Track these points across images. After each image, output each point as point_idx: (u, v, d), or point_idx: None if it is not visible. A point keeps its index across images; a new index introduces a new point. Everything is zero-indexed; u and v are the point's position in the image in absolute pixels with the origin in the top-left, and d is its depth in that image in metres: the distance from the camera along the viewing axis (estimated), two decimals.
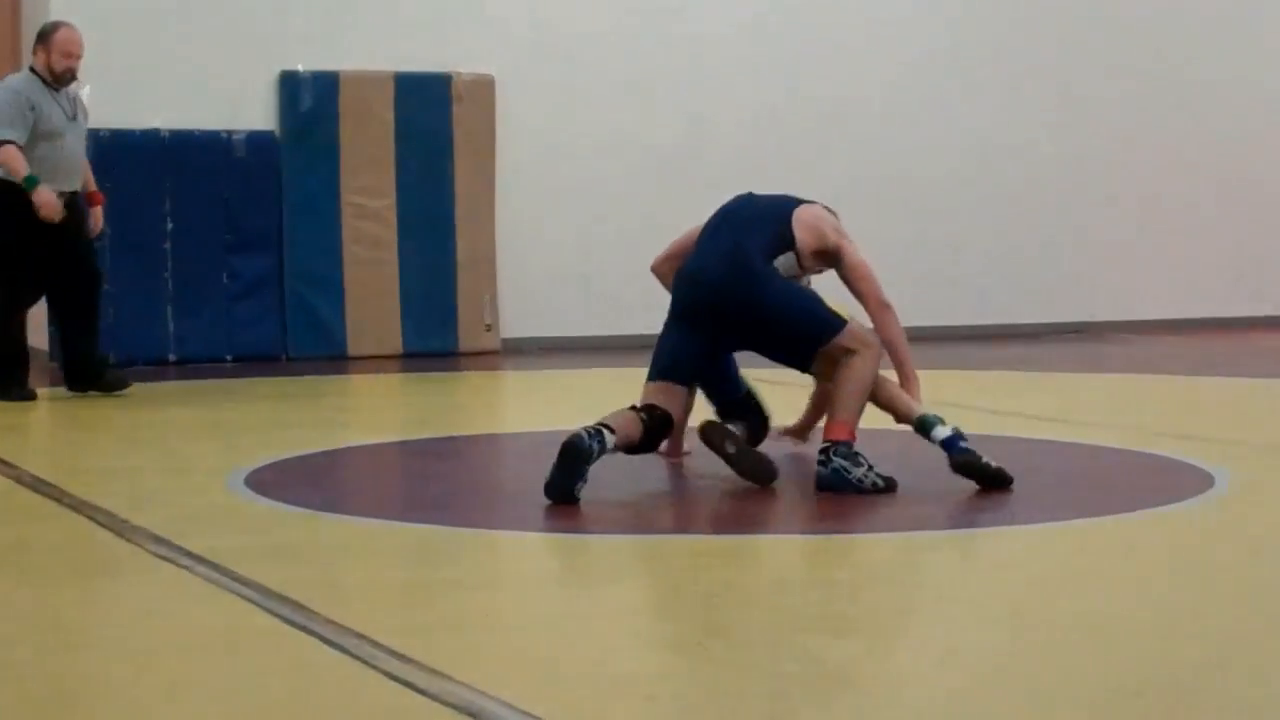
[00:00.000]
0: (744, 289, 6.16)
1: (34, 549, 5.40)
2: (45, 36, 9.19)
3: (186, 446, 7.62)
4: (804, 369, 6.33)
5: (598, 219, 12.64)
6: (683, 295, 6.33)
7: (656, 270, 6.99)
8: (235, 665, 3.89)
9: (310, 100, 11.84)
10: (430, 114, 12.10)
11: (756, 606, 4.50)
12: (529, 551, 5.30)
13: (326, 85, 11.88)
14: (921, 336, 13.32)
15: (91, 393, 9.32)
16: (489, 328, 12.26)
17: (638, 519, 5.88)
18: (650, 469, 6.80)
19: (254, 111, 11.78)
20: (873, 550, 5.33)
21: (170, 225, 11.44)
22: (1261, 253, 14.37)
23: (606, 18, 12.63)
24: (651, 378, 6.23)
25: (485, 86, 12.25)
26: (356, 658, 3.85)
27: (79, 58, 9.18)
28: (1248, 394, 9.64)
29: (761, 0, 12.98)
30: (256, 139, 11.70)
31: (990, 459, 6.03)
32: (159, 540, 5.18)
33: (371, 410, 9.75)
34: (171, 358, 11.43)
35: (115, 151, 11.26)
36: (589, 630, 4.19)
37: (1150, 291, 14.10)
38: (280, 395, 9.89)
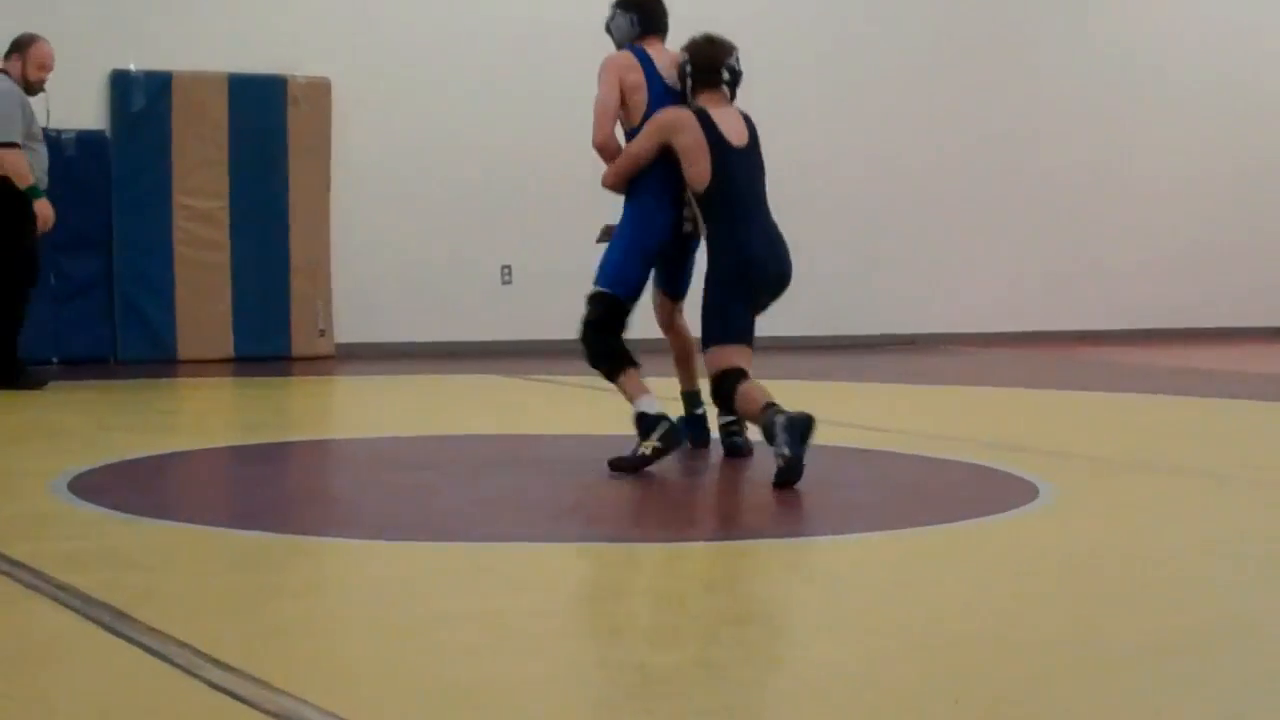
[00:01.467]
0: (790, 269, 7.04)
1: None
2: (22, 47, 9.65)
3: (9, 450, 7.48)
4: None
5: (433, 223, 12.60)
6: (758, 277, 6.84)
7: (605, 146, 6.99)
8: (55, 674, 3.83)
9: (142, 100, 11.68)
10: (265, 116, 11.99)
11: (585, 615, 4.51)
12: (354, 559, 5.27)
13: (159, 85, 11.72)
14: (760, 347, 13.52)
15: None
16: (322, 332, 12.17)
17: (468, 525, 5.87)
18: (498, 470, 6.79)
19: (85, 110, 11.61)
20: (698, 558, 5.36)
21: None
22: (1082, 267, 14.67)
23: (441, 20, 12.59)
24: (745, 342, 6.77)
25: (321, 89, 12.16)
26: (178, 666, 3.80)
27: (51, 69, 9.67)
28: (1072, 406, 9.83)
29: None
30: (87, 138, 11.52)
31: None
32: None
33: (200, 415, 9.63)
34: None
35: None
36: (414, 638, 4.18)
37: (979, 304, 14.34)
38: (107, 399, 9.74)
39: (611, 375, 6.93)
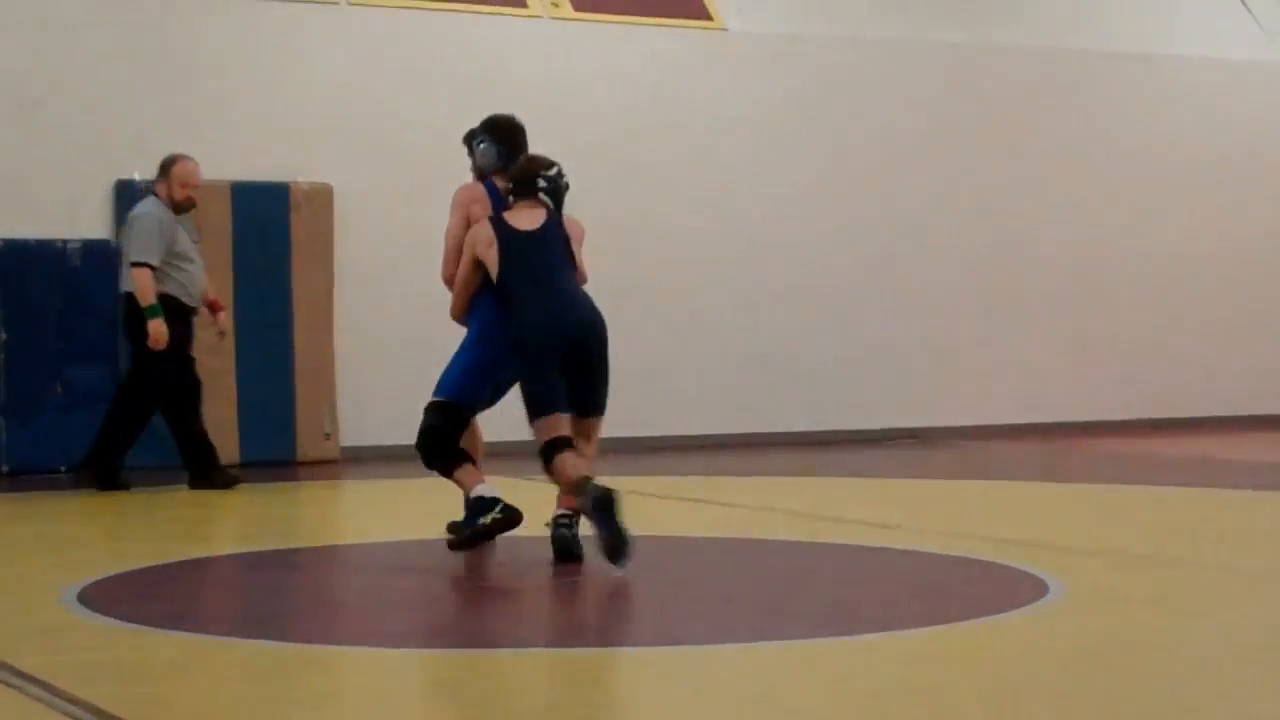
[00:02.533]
0: (602, 328, 7.10)
1: None
2: (166, 168, 10.14)
3: (18, 561, 7.47)
4: (599, 410, 7.10)
5: (435, 324, 12.59)
6: (540, 338, 6.98)
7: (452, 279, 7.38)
8: None
9: None
10: (268, 221, 12.07)
11: None
12: (365, 668, 5.26)
13: None
14: (756, 443, 13.58)
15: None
16: (328, 436, 12.18)
17: (454, 632, 5.86)
18: (507, 574, 6.78)
19: (90, 220, 11.67)
20: (700, 661, 5.35)
21: (3, 335, 11.27)
22: (1098, 356, 14.69)
23: (436, 126, 12.68)
24: (553, 411, 6.90)
25: (323, 194, 12.24)
26: None
27: (196, 187, 10.11)
28: (1081, 499, 9.82)
29: (596, 93, 13.13)
30: (92, 247, 11.58)
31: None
32: None
33: (207, 521, 9.62)
34: (4, 468, 11.22)
35: None
36: None
37: (982, 397, 14.35)
38: (114, 507, 9.74)
39: (448, 472, 7.29)
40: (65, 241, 11.49)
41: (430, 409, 7.34)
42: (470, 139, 7.67)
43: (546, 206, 7.27)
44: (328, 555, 7.70)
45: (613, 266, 12.96)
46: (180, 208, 10.13)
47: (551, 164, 7.34)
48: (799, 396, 13.59)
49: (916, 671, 5.05)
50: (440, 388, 7.36)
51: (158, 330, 9.86)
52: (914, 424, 14.05)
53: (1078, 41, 14.82)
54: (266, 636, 5.60)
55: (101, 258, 11.60)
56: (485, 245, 7.15)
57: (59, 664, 5.01)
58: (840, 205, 13.88)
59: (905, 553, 7.35)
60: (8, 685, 4.77)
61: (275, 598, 6.71)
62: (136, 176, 11.75)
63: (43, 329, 11.39)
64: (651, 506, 9.57)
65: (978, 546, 7.40)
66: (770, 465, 11.60)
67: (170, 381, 10.11)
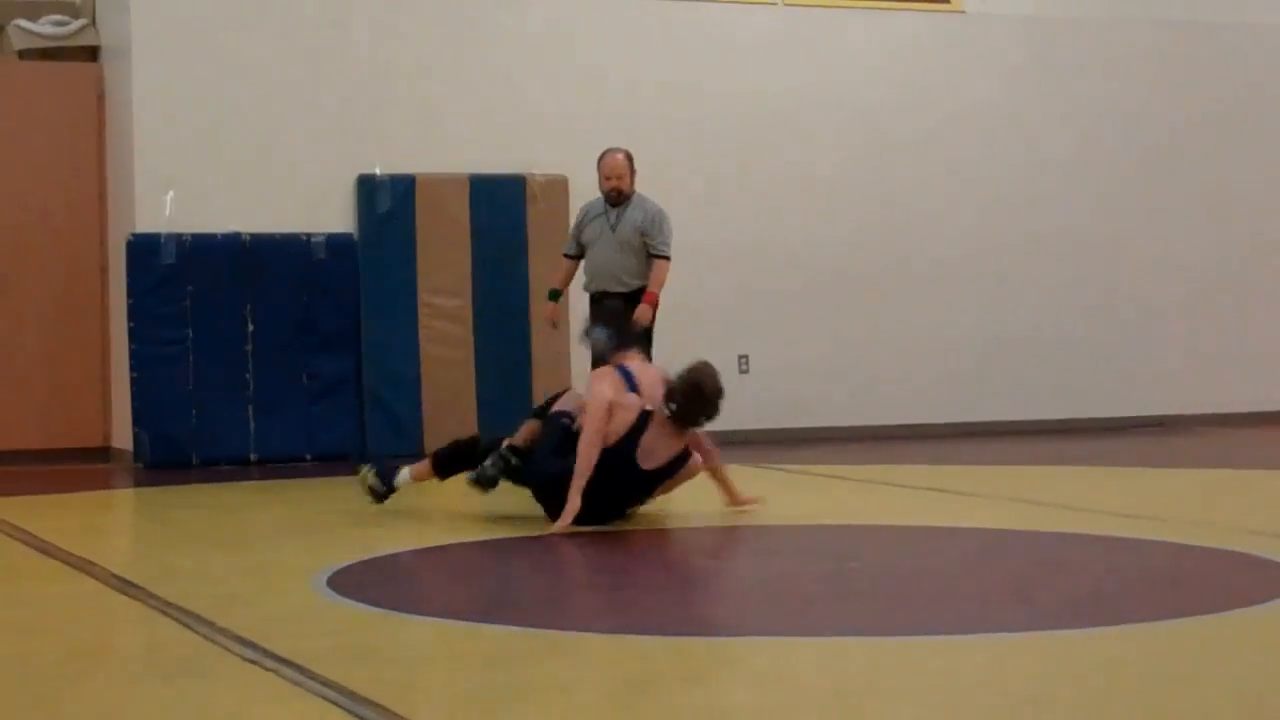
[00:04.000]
0: None
1: (120, 651, 5.44)
2: (598, 162, 10.73)
3: (270, 547, 7.66)
4: None
5: (670, 314, 12.67)
6: None
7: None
8: None
9: (388, 202, 11.98)
10: (505, 214, 12.22)
11: (832, 713, 4.47)
12: (608, 654, 5.29)
13: (403, 187, 12.01)
14: (998, 431, 13.41)
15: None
16: None
17: (715, 619, 5.86)
18: (743, 562, 6.78)
19: (333, 214, 11.93)
20: (946, 652, 5.28)
21: (251, 327, 11.57)
22: None
23: (675, 115, 12.72)
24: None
25: (559, 186, 12.35)
26: None
27: (618, 178, 10.61)
28: None
29: (840, 96, 13.06)
30: (335, 241, 11.84)
31: None
32: (245, 642, 5.21)
33: (450, 509, 9.76)
34: (253, 457, 11.52)
35: (197, 255, 11.43)
36: None
37: (1230, 383, 13.99)
38: (360, 495, 9.92)
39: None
40: (309, 236, 11.75)
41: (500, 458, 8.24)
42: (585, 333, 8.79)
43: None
44: (568, 543, 7.76)
45: (853, 251, 12.90)
46: (608, 199, 10.61)
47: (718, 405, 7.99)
48: (1038, 385, 13.38)
49: (1171, 661, 4.93)
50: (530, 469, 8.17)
51: (547, 311, 10.97)
52: (1157, 411, 13.76)
53: None
54: (509, 622, 5.67)
55: (345, 251, 11.84)
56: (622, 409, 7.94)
57: (311, 648, 5.11)
58: (1087, 186, 13.63)
59: (1152, 543, 7.19)
60: (263, 668, 4.88)
61: (519, 584, 6.79)
62: (378, 171, 11.98)
63: (288, 321, 11.66)
64: (890, 496, 9.50)
65: (1227, 537, 7.22)
66: (1011, 454, 11.44)
67: None
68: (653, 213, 10.64)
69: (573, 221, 11.01)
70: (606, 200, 10.65)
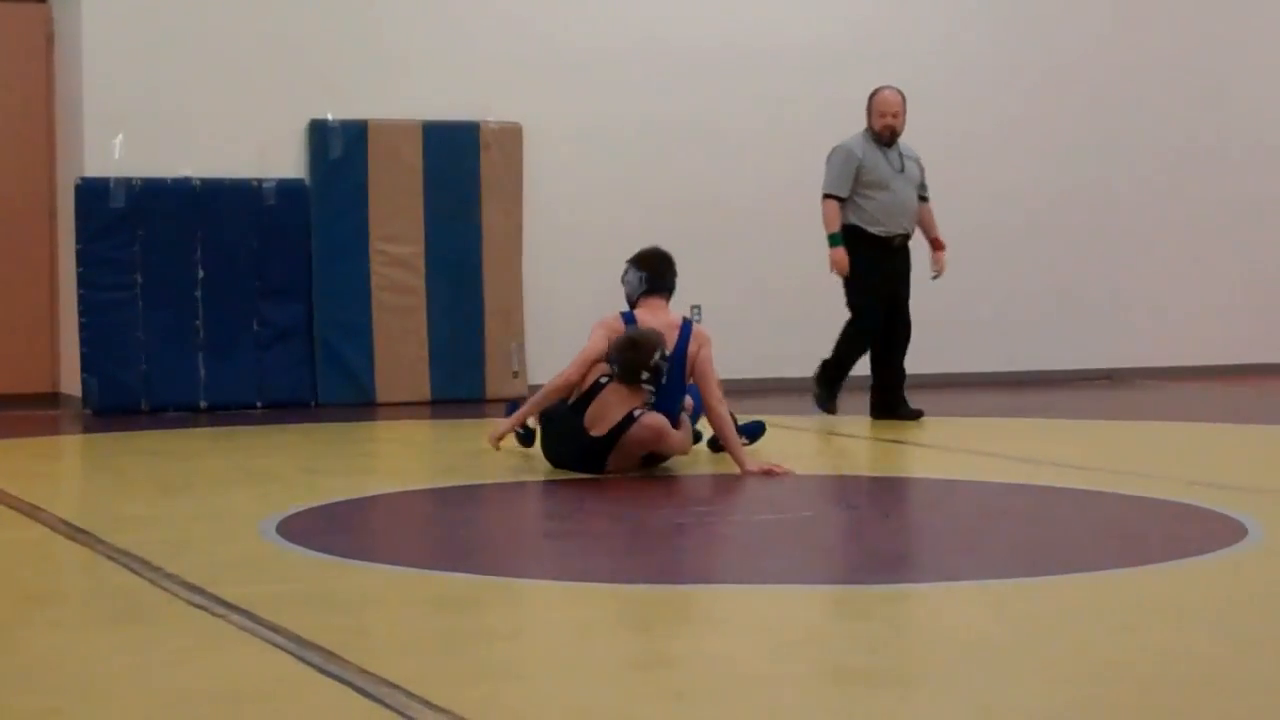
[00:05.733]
0: None
1: (68, 597, 5.44)
2: (870, 100, 10.32)
3: (219, 494, 7.65)
4: None
5: (622, 264, 12.66)
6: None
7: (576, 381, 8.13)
8: (270, 713, 3.91)
9: (339, 148, 11.91)
10: (458, 162, 12.16)
11: (796, 659, 4.50)
12: (558, 600, 5.31)
13: (355, 133, 11.95)
14: (950, 383, 13.45)
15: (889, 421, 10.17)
16: (516, 374, 12.28)
17: (673, 567, 5.89)
18: (699, 512, 6.81)
19: (284, 160, 11.85)
20: (896, 601, 5.33)
21: (202, 273, 11.50)
22: None
23: (632, 67, 12.69)
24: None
25: (513, 133, 12.31)
26: (390, 707, 3.87)
27: (895, 116, 10.22)
28: (1276, 442, 9.61)
29: (791, 44, 13.04)
30: (287, 187, 11.77)
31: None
32: (193, 588, 5.21)
33: (400, 457, 9.77)
34: (203, 404, 11.47)
35: (147, 199, 11.35)
36: (622, 682, 4.20)
37: (1176, 337, 14.08)
38: (310, 442, 9.92)
39: None
40: (260, 181, 11.68)
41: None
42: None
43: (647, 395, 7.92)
44: (519, 491, 7.78)
45: (808, 201, 12.91)
46: (880, 138, 10.21)
47: (655, 355, 7.89)
48: (989, 337, 13.44)
49: (1113, 612, 4.98)
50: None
51: (834, 258, 10.17)
52: (1104, 365, 13.84)
53: None
54: (459, 569, 5.68)
55: (296, 197, 11.78)
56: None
57: (260, 594, 5.12)
58: (1041, 144, 13.67)
59: (1099, 494, 7.25)
60: (211, 613, 4.89)
61: (467, 531, 6.80)
62: (330, 116, 11.91)
63: (239, 267, 11.59)
64: (842, 446, 9.55)
65: (1172, 488, 7.28)
66: (960, 406, 11.49)
67: (873, 316, 10.25)
68: (918, 155, 10.43)
69: (839, 164, 10.23)
70: (880, 140, 10.22)
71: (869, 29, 13.26)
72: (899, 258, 10.32)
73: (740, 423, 8.39)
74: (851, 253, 10.16)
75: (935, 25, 13.45)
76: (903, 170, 10.25)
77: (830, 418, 10.23)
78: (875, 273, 10.18)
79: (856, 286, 10.24)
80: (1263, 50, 14.41)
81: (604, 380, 7.98)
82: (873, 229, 10.19)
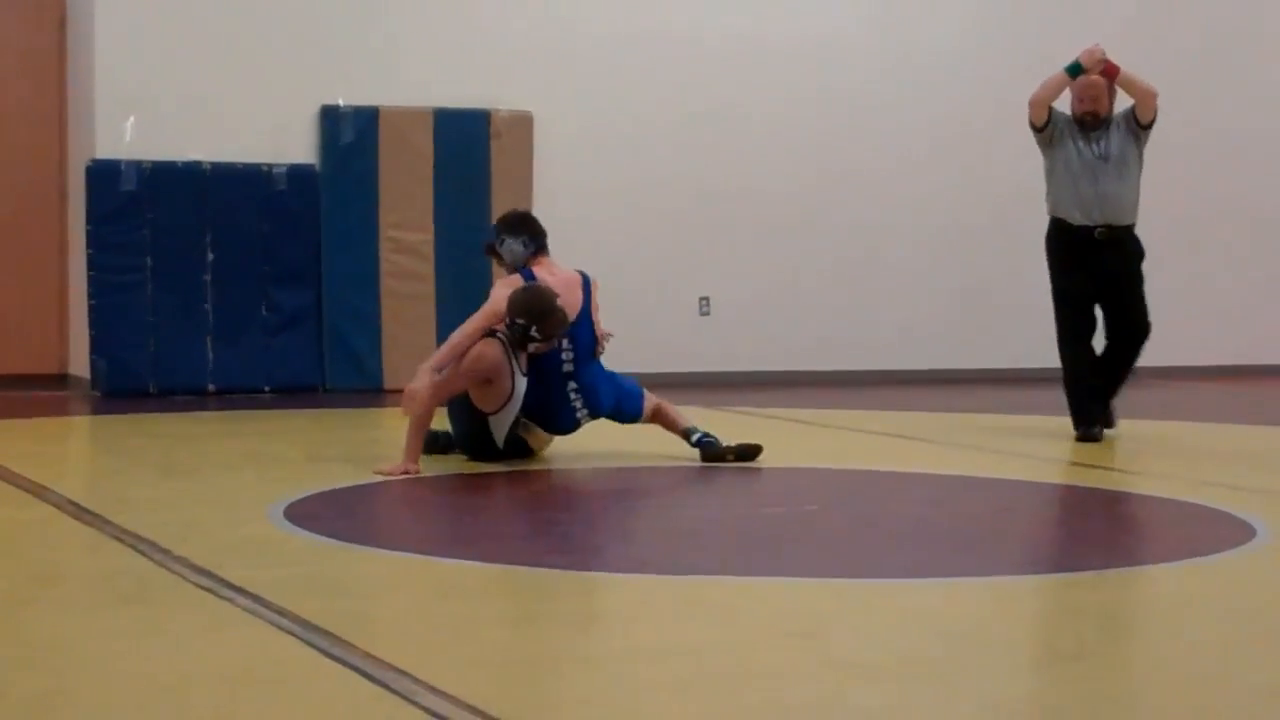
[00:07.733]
0: None
1: (75, 578, 5.44)
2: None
3: (226, 477, 7.66)
4: None
5: (632, 255, 12.67)
6: None
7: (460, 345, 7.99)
8: (274, 696, 3.91)
9: (350, 134, 11.91)
10: (468, 149, 12.16)
11: (794, 651, 4.50)
12: (563, 588, 5.31)
13: (366, 120, 11.95)
14: (958, 379, 13.45)
15: None
16: None
17: (674, 557, 5.89)
18: (699, 501, 6.81)
19: (295, 145, 11.86)
20: (903, 595, 5.32)
21: (211, 257, 11.51)
22: None
23: (644, 56, 12.68)
24: None
25: (523, 123, 12.30)
26: (395, 692, 3.87)
27: (1093, 100, 9.23)
28: None
29: (804, 34, 13.03)
30: (297, 172, 11.77)
31: (728, 442, 7.86)
32: (200, 571, 5.21)
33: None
34: (211, 388, 11.48)
35: (158, 183, 11.36)
36: (625, 671, 4.20)
37: (1180, 338, 14.04)
38: (318, 427, 9.92)
39: None
40: (271, 166, 11.68)
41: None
42: (491, 247, 8.37)
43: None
44: (524, 479, 7.77)
45: (816, 195, 12.89)
46: (1082, 123, 9.30)
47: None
48: (998, 334, 13.42)
49: (1122, 609, 4.97)
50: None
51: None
52: None
53: None
54: (466, 557, 5.68)
55: (306, 182, 11.78)
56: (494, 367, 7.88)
57: (266, 578, 5.12)
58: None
59: (1107, 492, 7.24)
60: (218, 596, 4.89)
61: (472, 518, 6.81)
62: (341, 102, 11.91)
63: (249, 252, 11.60)
64: (848, 440, 9.54)
65: (1179, 488, 7.27)
66: (968, 402, 11.49)
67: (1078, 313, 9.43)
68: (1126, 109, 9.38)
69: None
70: (1081, 124, 9.31)
71: (884, 20, 13.25)
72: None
73: (704, 432, 8.11)
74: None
75: (952, 18, 13.43)
76: (1107, 160, 9.33)
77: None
78: (1094, 276, 9.34)
79: (1059, 288, 9.43)
80: (1264, 49, 14.38)
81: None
82: (1071, 219, 9.33)
